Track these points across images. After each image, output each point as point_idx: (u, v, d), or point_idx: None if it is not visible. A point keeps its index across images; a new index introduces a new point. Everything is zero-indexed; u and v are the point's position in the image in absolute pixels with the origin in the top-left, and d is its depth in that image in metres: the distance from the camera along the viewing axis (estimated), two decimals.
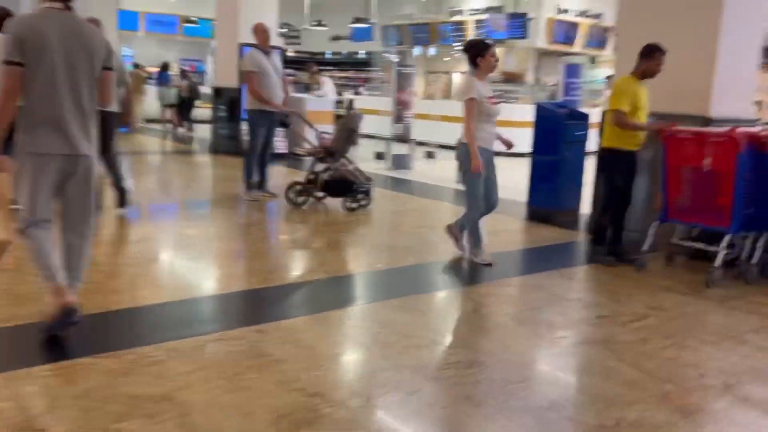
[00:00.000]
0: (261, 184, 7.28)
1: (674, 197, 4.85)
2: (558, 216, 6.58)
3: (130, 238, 5.51)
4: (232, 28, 10.91)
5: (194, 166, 10.81)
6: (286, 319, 3.64)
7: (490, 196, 4.82)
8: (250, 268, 4.74)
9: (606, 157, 5.02)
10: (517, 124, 13.08)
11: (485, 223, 5.02)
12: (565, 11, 15.78)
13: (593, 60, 18.67)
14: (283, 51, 7.21)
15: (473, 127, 4.58)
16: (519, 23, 14.54)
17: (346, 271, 4.89)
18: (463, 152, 4.70)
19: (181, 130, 15.34)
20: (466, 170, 4.74)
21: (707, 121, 5.22)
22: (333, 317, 3.73)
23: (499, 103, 4.79)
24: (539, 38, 15.45)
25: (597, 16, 16.33)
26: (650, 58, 4.81)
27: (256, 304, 3.97)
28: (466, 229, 4.92)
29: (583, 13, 16.16)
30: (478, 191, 4.75)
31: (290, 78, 7.57)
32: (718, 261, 4.50)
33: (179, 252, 5.20)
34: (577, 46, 16.20)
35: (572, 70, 11.88)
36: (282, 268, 4.85)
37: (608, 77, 14.28)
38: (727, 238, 4.54)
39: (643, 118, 4.91)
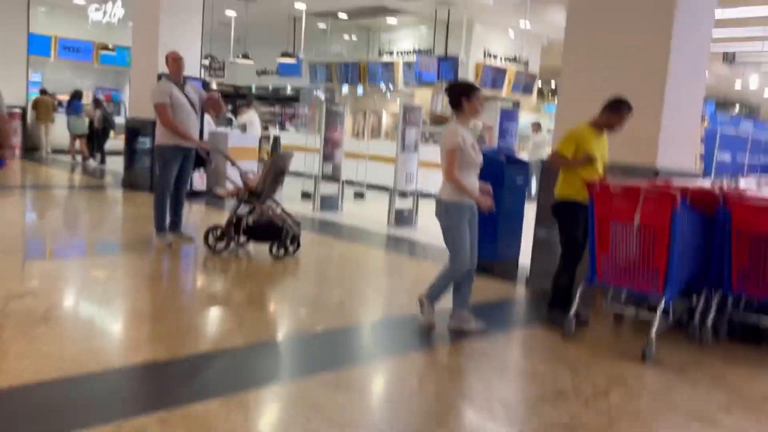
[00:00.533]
0: (175, 226, 6.59)
1: (603, 256, 4.38)
2: (496, 266, 6.23)
3: (11, 292, 4.70)
4: (150, 58, 10.22)
5: (102, 202, 9.90)
6: (196, 402, 3.00)
7: (471, 256, 4.33)
8: (156, 333, 4.05)
9: (560, 208, 4.68)
10: None
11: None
12: (494, 56, 15.93)
13: (517, 105, 19.00)
14: (205, 83, 6.61)
15: (458, 175, 4.12)
16: (449, 66, 14.50)
17: (270, 335, 4.28)
18: (443, 208, 4.21)
19: (91, 162, 14.31)
20: (448, 227, 4.25)
21: (654, 173, 5.02)
22: (253, 400, 3.13)
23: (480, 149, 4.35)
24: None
25: (525, 63, 16.58)
26: (616, 113, 4.54)
27: (161, 382, 3.31)
28: (442, 293, 4.37)
29: (510, 59, 16.36)
30: (465, 245, 4.24)
31: (216, 94, 6.97)
32: (654, 331, 4.07)
33: (71, 311, 4.46)
34: (504, 91, 16.35)
35: (508, 115, 11.73)
36: (194, 332, 4.18)
37: (534, 123, 14.45)
38: (662, 305, 4.12)
39: (600, 170, 4.61)
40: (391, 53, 17.37)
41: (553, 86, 20.06)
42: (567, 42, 5.65)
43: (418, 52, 15.53)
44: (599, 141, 4.61)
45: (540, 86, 17.33)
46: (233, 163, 6.64)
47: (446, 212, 4.23)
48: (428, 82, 15.50)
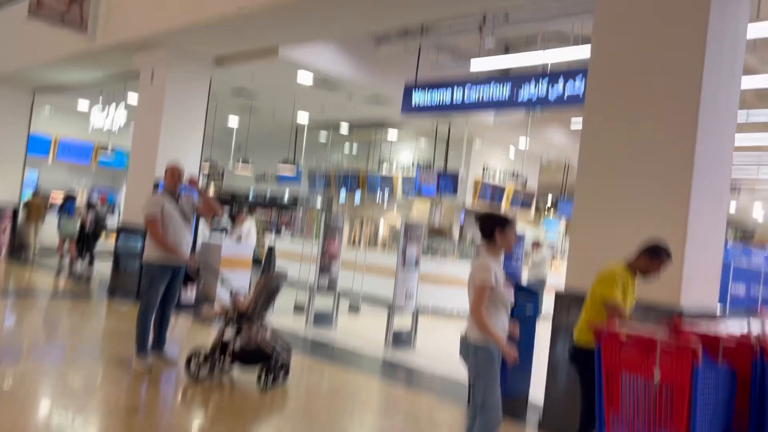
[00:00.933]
0: (158, 346, 6.11)
1: (611, 412, 3.84)
2: (505, 402, 5.70)
3: None
4: (148, 162, 10.09)
5: (83, 314, 9.35)
6: None
7: None
8: None
9: (580, 355, 4.23)
10: (446, 280, 12.60)
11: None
12: (493, 172, 16.00)
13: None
14: (200, 192, 6.37)
15: (486, 316, 3.72)
16: (449, 181, 14.49)
17: None
18: (472, 352, 3.77)
19: (79, 265, 13.88)
20: (477, 373, 3.79)
21: (678, 313, 4.64)
22: None
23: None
24: (467, 196, 15.44)
25: (524, 182, 16.65)
26: (655, 259, 4.17)
27: None
28: None
29: (509, 175, 16.43)
30: (498, 394, 3.79)
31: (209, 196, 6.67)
32: None
33: None
34: (503, 206, 16.30)
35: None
36: None
37: (534, 243, 14.22)
38: None
39: (629, 309, 4.21)
40: (390, 165, 17.45)
41: (549, 202, 20.13)
42: (581, 165, 5.44)
43: (418, 165, 15.63)
44: (634, 286, 4.25)
45: (537, 202, 17.31)
46: (223, 282, 6.26)
47: (475, 356, 3.77)
48: (427, 195, 15.44)
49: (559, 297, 5.30)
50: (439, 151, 15.48)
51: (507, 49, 13.61)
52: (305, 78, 11.76)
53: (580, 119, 15.12)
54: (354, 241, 15.90)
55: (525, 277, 13.32)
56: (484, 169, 15.84)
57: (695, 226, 4.79)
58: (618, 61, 5.20)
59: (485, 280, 3.72)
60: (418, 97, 10.67)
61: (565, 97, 8.81)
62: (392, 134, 17.02)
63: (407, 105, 10.82)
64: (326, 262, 9.86)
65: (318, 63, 10.95)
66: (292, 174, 16.54)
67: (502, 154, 16.40)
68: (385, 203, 18.67)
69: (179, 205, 6.12)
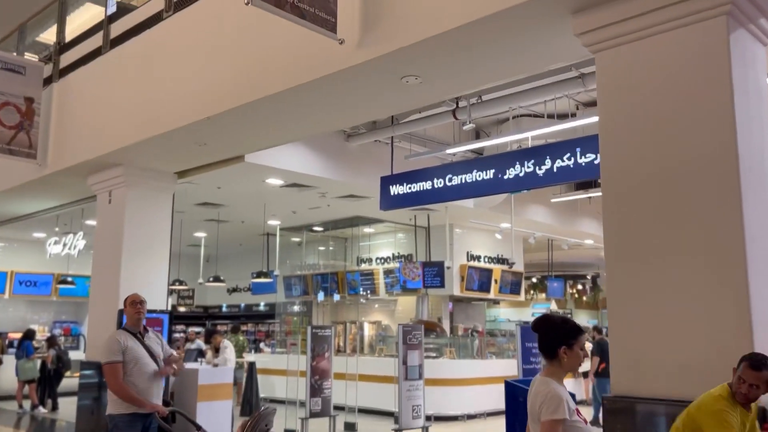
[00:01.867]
0: None
1: None
2: None
3: None
4: (110, 291, 9.14)
5: None
6: None
7: None
8: None
9: None
10: (451, 382, 11.60)
11: None
12: (478, 258, 15.36)
13: (497, 302, 18.18)
14: (171, 312, 5.46)
15: None
16: (435, 272, 13.75)
17: None
18: None
19: (41, 410, 12.53)
20: None
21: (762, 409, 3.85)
22: None
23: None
24: (454, 285, 14.69)
25: (510, 264, 16.03)
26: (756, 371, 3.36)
27: None
28: None
29: (495, 260, 15.80)
30: None
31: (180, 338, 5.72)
32: None
33: None
34: (492, 293, 15.56)
35: (529, 333, 9.73)
36: None
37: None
38: None
39: None
40: (369, 261, 16.70)
41: (535, 282, 19.54)
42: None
43: (400, 258, 14.86)
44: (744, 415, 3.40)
45: (525, 283, 16.61)
46: (199, 429, 5.29)
47: None
48: (413, 288, 14.65)
49: (611, 409, 4.43)
50: (420, 241, 14.83)
51: (478, 134, 13.34)
52: (275, 181, 11.14)
53: (560, 195, 14.85)
54: (338, 348, 14.90)
55: None
56: (468, 257, 15.18)
57: (759, 302, 4.08)
58: (633, 128, 4.64)
59: (557, 412, 2.90)
60: (397, 190, 10.10)
61: (555, 169, 8.31)
62: (369, 229, 16.39)
63: (386, 199, 10.23)
64: (317, 381, 8.86)
65: (287, 164, 10.37)
66: (268, 279, 15.62)
67: (485, 238, 15.83)
68: (367, 301, 17.79)
69: (145, 342, 5.23)
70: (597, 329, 12.27)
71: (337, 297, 17.03)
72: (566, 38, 5.16)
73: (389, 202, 10.22)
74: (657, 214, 4.40)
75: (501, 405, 12.15)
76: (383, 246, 16.57)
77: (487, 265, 15.50)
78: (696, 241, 4.20)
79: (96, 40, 9.19)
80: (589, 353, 12.21)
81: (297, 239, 17.48)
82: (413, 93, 6.46)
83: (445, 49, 5.47)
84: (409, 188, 9.96)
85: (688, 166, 4.31)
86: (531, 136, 10.25)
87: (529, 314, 27.47)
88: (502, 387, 6.01)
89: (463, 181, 9.29)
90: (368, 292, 16.41)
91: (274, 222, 15.03)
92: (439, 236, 14.55)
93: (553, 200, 14.63)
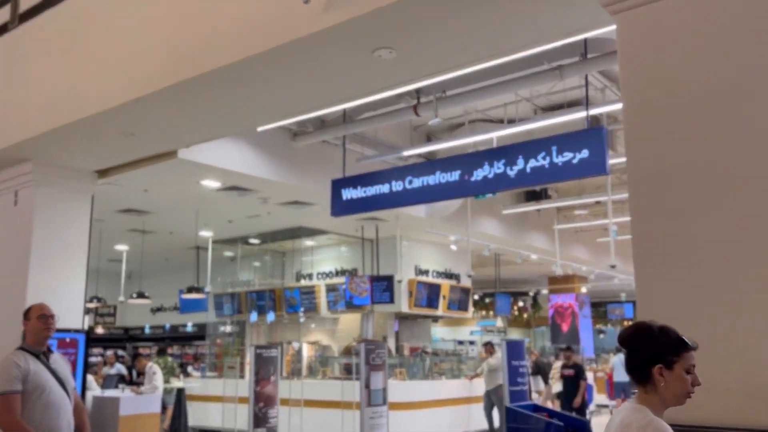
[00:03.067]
0: None
1: None
2: None
3: None
4: (13, 308, 7.69)
5: None
6: None
7: None
8: None
9: None
10: (407, 405, 10.64)
11: None
12: (426, 272, 14.55)
13: (435, 319, 17.42)
14: (88, 333, 4.32)
15: None
16: (384, 286, 12.81)
17: None
18: None
19: None
20: None
21: None
22: None
23: None
24: (402, 301, 13.80)
25: (457, 277, 15.33)
26: None
27: None
28: None
29: (443, 274, 15.05)
30: None
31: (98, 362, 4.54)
32: None
33: None
34: (441, 309, 14.76)
35: (516, 349, 8.58)
36: None
37: (486, 344, 12.76)
38: None
39: None
40: (310, 276, 15.61)
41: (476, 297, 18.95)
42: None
43: (344, 273, 13.82)
44: None
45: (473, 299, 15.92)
46: None
47: None
48: (359, 305, 13.68)
49: None
50: (368, 254, 13.88)
51: (429, 139, 12.60)
52: (211, 183, 9.96)
53: (511, 207, 14.30)
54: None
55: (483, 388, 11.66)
56: (416, 269, 14.36)
57: None
58: (665, 105, 3.88)
59: None
60: (350, 194, 9.16)
61: (528, 170, 7.59)
62: (311, 242, 15.32)
63: (338, 204, 9.26)
64: (261, 409, 7.74)
65: (226, 162, 9.25)
66: (200, 296, 14.22)
67: (434, 251, 15.07)
68: (306, 320, 16.65)
69: (50, 364, 4.06)
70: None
71: (272, 316, 15.80)
72: (570, 6, 4.43)
73: (341, 207, 9.25)
74: (706, 206, 3.63)
75: (458, 428, 11.30)
76: (326, 260, 15.51)
77: (436, 280, 14.72)
78: (743, 243, 3.45)
79: (2, 14, 7.87)
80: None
81: (230, 253, 16.18)
82: (385, 71, 5.56)
83: (425, 16, 4.63)
84: (364, 192, 9.03)
85: (745, 143, 3.57)
86: (492, 137, 9.55)
87: (467, 333, 26.92)
88: (457, 409, 5.21)
89: (425, 183, 8.45)
90: (308, 309, 15.30)
91: (206, 233, 13.74)
92: (388, 249, 13.66)
93: (504, 212, 14.05)
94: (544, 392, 14.15)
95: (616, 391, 16.96)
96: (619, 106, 7.78)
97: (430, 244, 14.88)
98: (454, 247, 12.68)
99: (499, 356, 12.80)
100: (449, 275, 15.20)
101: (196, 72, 5.55)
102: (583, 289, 19.84)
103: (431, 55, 5.39)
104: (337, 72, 5.59)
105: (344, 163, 9.54)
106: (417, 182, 8.51)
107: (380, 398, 6.90)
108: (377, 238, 13.53)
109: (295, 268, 15.90)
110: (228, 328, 17.71)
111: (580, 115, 8.44)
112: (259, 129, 8.33)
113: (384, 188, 8.80)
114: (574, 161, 7.33)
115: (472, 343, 21.45)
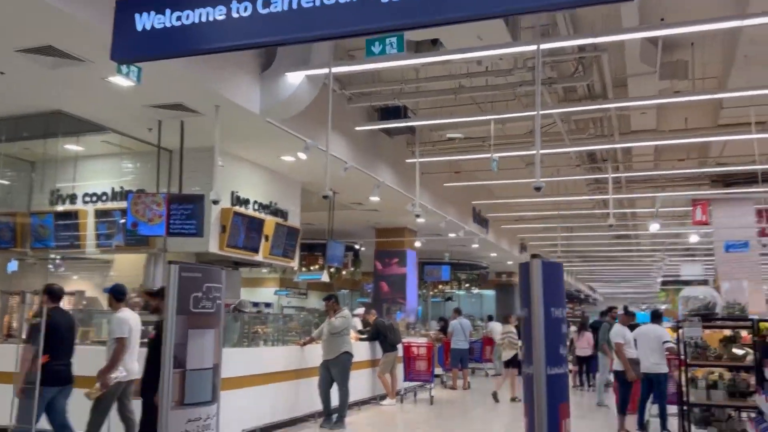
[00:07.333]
0: None
1: None
2: None
3: None
4: None
5: None
6: None
7: None
8: None
9: None
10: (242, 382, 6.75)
11: None
12: (245, 202, 10.67)
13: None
14: None
15: None
16: (189, 211, 8.64)
17: None
18: None
19: None
20: None
21: None
22: None
23: None
24: (211, 239, 9.80)
25: (284, 215, 11.69)
26: None
27: None
28: None
29: (267, 209, 11.26)
30: None
31: None
32: None
33: None
34: (262, 254, 11.00)
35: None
36: None
37: (328, 297, 9.59)
38: None
39: None
40: (73, 198, 10.87)
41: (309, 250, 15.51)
42: None
43: (130, 192, 9.20)
44: None
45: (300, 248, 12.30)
46: None
47: None
48: (148, 236, 9.44)
49: None
50: (164, 172, 9.60)
51: None
52: None
53: (365, 124, 10.97)
54: (7, 333, 9.08)
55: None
56: (233, 198, 10.42)
57: None
58: None
59: None
60: (149, 22, 5.07)
61: None
62: (75, 146, 10.56)
63: (125, 39, 5.11)
64: None
65: None
66: None
67: (258, 177, 11.23)
68: (63, 261, 11.87)
69: None
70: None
71: (13, 265, 10.88)
72: None
73: (131, 45, 5.12)
74: None
75: (284, 411, 8.11)
76: (98, 175, 10.83)
77: (258, 215, 10.91)
78: None
79: None
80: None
81: None
82: None
83: None
84: (177, 19, 5.01)
85: None
86: None
87: (270, 294, 23.27)
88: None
89: (289, 5, 4.66)
90: (65, 246, 10.63)
91: None
92: (197, 164, 9.53)
93: (357, 128, 10.69)
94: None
95: (453, 359, 14.71)
96: None
97: (255, 167, 11.00)
98: (304, 155, 8.88)
99: (347, 315, 9.58)
100: (276, 211, 11.48)
101: None
102: (417, 244, 17.36)
103: None
104: None
105: None
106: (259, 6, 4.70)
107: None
108: (182, 145, 9.31)
109: (49, 186, 11.01)
110: None
111: None
112: None
113: (217, 12, 4.86)
114: None
115: (268, 305, 17.88)
